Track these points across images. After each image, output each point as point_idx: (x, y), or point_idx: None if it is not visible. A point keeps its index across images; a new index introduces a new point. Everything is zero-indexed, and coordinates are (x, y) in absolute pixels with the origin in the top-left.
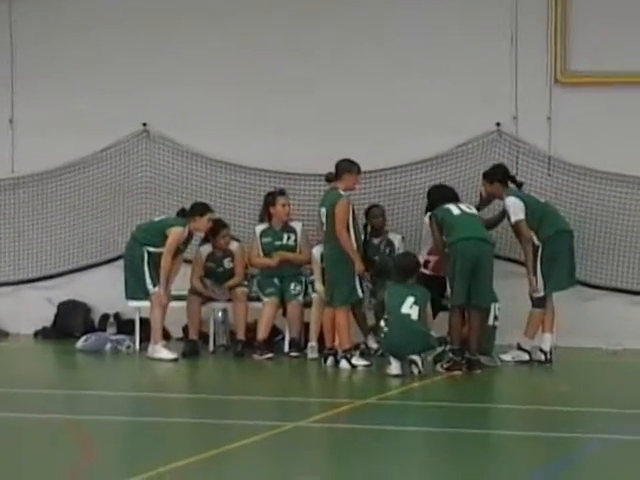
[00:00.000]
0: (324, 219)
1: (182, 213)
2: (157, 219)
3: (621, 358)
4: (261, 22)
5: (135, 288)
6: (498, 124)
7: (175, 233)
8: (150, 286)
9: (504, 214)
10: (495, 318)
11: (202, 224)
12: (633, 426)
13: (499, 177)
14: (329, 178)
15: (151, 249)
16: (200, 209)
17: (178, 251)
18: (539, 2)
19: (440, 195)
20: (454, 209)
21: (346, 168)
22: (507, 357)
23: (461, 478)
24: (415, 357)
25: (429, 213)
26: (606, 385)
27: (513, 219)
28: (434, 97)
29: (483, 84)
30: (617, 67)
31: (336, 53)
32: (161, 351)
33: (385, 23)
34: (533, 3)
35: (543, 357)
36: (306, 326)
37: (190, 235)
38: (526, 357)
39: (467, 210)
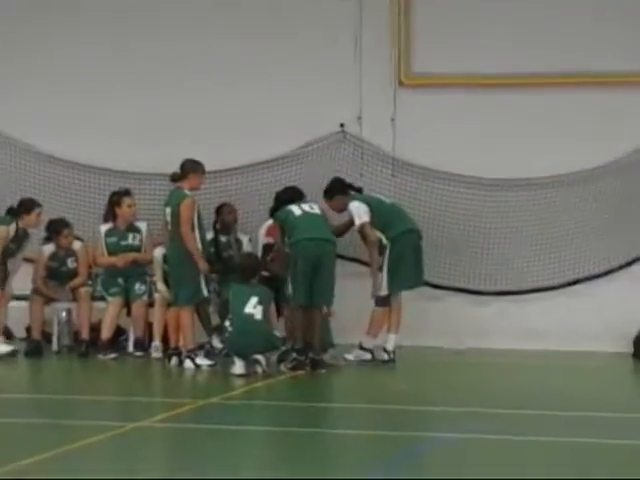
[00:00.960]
0: (169, 218)
1: (10, 211)
2: None
3: (464, 357)
4: (91, 24)
5: None
6: (342, 125)
7: (0, 232)
8: None
9: (352, 220)
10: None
11: (32, 220)
12: (470, 424)
13: (338, 191)
14: (174, 178)
15: None
16: (27, 205)
17: (9, 250)
18: (383, 3)
19: (286, 196)
20: (296, 210)
21: (191, 168)
22: (350, 356)
23: (299, 476)
24: (259, 357)
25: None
26: (445, 384)
27: (357, 222)
28: (279, 97)
29: (328, 85)
30: (459, 69)
31: (178, 53)
32: None
33: (224, 22)
34: (377, 4)
35: (386, 356)
36: (150, 326)
37: (25, 233)
38: (368, 356)
39: (309, 210)
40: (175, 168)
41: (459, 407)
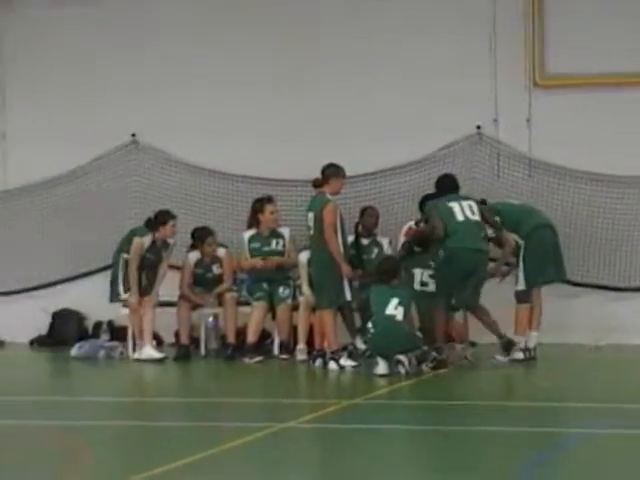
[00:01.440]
0: (312, 223)
1: (147, 223)
2: (133, 228)
3: (603, 354)
4: (245, 33)
5: (111, 292)
6: (479, 127)
7: (135, 243)
8: (122, 292)
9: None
10: None
11: (167, 231)
12: (614, 419)
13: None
14: (316, 183)
15: (126, 255)
16: (162, 217)
17: (148, 261)
18: (517, 6)
19: (444, 184)
20: (457, 212)
21: (332, 173)
22: (502, 357)
23: (451, 475)
24: (402, 357)
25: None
26: (587, 380)
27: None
28: (416, 101)
29: (463, 87)
30: (595, 69)
31: (317, 60)
32: (148, 352)
33: (363, 26)
34: (511, 7)
35: (526, 355)
36: (295, 329)
37: (165, 243)
38: (521, 356)
39: (470, 217)
40: (315, 174)
41: (602, 403)
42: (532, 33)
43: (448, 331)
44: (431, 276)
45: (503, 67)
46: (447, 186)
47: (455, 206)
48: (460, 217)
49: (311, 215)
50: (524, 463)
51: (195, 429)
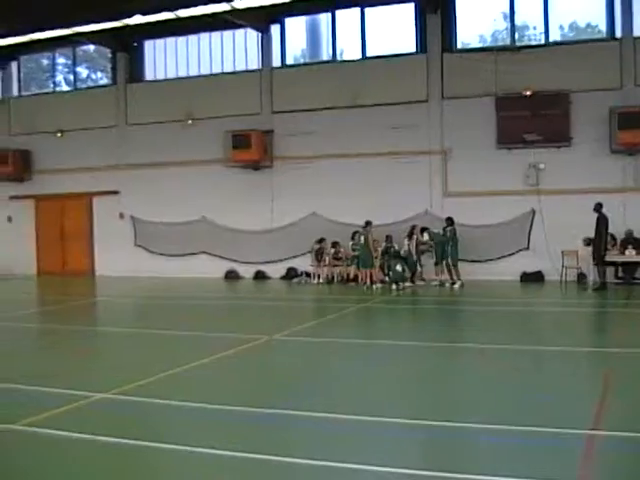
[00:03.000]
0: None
1: None
2: None
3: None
4: None
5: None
6: (427, 210)
7: None
8: None
9: None
10: None
11: None
12: None
13: None
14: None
15: None
16: None
17: None
18: (438, 162)
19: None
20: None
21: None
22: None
23: None
24: (400, 284)
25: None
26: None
27: None
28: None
29: (419, 190)
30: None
31: None
32: None
33: None
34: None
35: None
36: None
37: None
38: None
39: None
40: None
41: None
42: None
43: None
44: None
45: (433, 185)
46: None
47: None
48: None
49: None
50: None
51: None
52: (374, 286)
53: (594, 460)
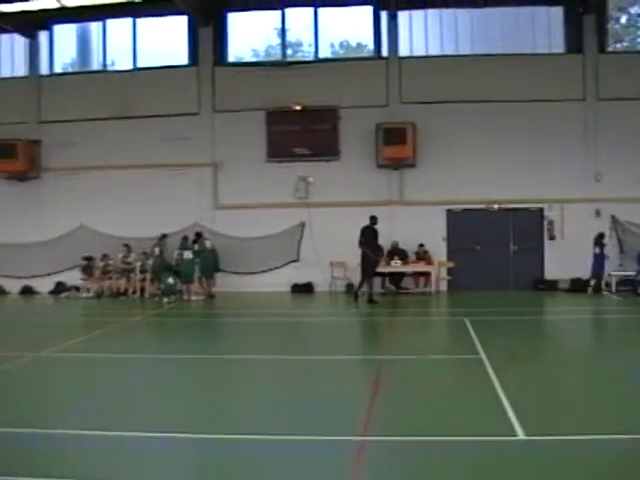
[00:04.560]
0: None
1: None
2: None
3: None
4: None
5: None
6: (196, 221)
7: None
8: None
9: None
10: None
11: None
12: None
13: None
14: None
15: None
16: None
17: None
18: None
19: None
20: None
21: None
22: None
23: None
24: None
25: None
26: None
27: None
28: None
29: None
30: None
31: None
32: None
33: None
34: None
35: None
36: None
37: None
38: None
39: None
40: None
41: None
42: (215, 182)
43: None
44: None
45: (204, 197)
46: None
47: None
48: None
49: None
50: None
51: None
52: (164, 299)
53: (363, 466)
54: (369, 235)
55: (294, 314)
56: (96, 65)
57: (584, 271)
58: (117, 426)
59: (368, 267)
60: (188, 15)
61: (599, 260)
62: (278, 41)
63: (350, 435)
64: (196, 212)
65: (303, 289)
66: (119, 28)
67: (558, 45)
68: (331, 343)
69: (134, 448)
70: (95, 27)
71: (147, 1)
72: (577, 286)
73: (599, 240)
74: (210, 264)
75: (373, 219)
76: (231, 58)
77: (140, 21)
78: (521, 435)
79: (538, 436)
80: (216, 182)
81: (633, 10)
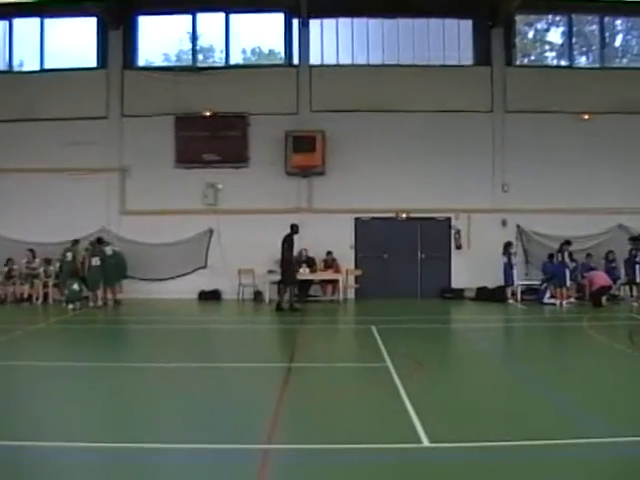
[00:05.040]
0: None
1: None
2: None
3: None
4: None
5: None
6: (103, 227)
7: None
8: None
9: None
10: None
11: None
12: None
13: None
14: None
15: None
16: None
17: None
18: None
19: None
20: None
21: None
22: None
23: None
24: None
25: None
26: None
27: None
28: None
29: None
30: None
31: None
32: None
33: None
34: None
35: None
36: None
37: None
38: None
39: None
40: None
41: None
42: (122, 188)
43: None
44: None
45: (111, 202)
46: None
47: None
48: None
49: None
50: None
51: None
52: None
53: (268, 474)
54: (288, 243)
55: (202, 321)
56: (2, 65)
57: (490, 280)
58: (21, 436)
59: (288, 275)
60: (97, 17)
61: (506, 269)
62: (189, 46)
63: (255, 443)
64: (103, 217)
65: (210, 296)
66: (27, 28)
67: (467, 57)
68: (239, 351)
69: (40, 458)
70: (1, 26)
71: (56, 1)
72: (483, 295)
73: (506, 249)
74: (112, 270)
75: (293, 228)
76: (141, 62)
77: (48, 21)
78: (425, 442)
79: (442, 443)
80: (124, 187)
81: (539, 25)
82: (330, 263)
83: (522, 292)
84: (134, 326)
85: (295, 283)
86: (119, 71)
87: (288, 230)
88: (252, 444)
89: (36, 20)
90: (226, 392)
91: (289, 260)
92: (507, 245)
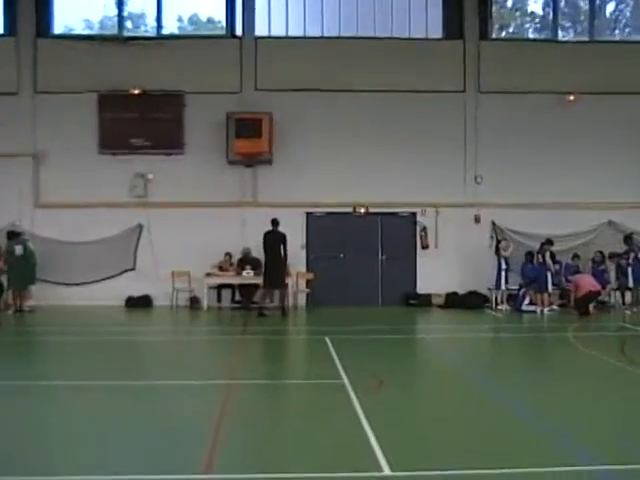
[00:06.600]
0: None
1: None
2: None
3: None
4: None
5: None
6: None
7: None
8: None
9: None
10: None
11: None
12: None
13: None
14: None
15: None
16: None
17: None
18: None
19: None
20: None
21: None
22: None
23: None
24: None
25: None
26: None
27: None
28: None
29: None
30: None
31: None
32: None
33: None
34: None
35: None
36: None
37: None
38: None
39: None
40: None
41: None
42: (36, 177)
43: None
44: None
45: (23, 194)
46: None
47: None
48: None
49: None
50: None
51: None
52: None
53: None
54: (283, 242)
55: (129, 332)
56: None
57: (461, 285)
58: None
59: (282, 278)
60: None
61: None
62: (115, 11)
63: (192, 473)
64: (13, 211)
65: (139, 303)
66: None
67: (436, 29)
68: (171, 366)
69: None
70: None
71: None
72: (453, 301)
73: (497, 249)
74: (22, 272)
75: (276, 222)
76: (58, 29)
77: None
78: (387, 471)
79: (405, 471)
80: (37, 176)
81: None
82: None
83: (495, 298)
84: (46, 338)
85: (273, 286)
86: (31, 39)
87: (269, 227)
88: (188, 474)
89: None
90: (159, 415)
91: (285, 262)
92: (497, 242)
